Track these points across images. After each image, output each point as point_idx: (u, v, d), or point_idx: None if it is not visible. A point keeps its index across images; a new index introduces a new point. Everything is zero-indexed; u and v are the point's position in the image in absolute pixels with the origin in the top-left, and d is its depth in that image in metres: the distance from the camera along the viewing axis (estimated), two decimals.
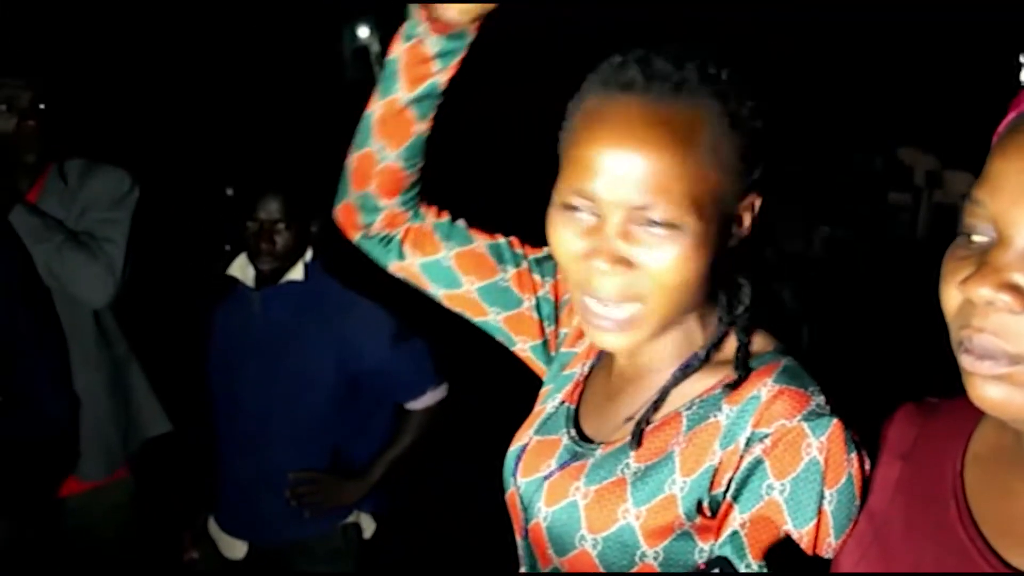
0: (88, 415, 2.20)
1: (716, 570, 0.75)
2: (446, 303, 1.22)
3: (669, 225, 0.87)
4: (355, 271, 2.23)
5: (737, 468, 0.89)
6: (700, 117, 0.88)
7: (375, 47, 10.39)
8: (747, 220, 0.96)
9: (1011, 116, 0.71)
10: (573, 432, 1.07)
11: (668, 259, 0.88)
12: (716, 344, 0.99)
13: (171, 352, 3.03)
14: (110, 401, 2.26)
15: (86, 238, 2.14)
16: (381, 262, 1.23)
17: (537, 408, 1.17)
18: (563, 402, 1.13)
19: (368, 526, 2.23)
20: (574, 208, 0.92)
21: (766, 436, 0.88)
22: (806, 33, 7.66)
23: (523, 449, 1.11)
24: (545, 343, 1.21)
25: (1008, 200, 0.66)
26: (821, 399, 0.90)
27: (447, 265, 1.19)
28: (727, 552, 0.88)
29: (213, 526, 2.22)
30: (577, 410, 1.10)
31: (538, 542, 1.04)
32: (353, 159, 1.17)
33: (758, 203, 0.96)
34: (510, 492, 1.10)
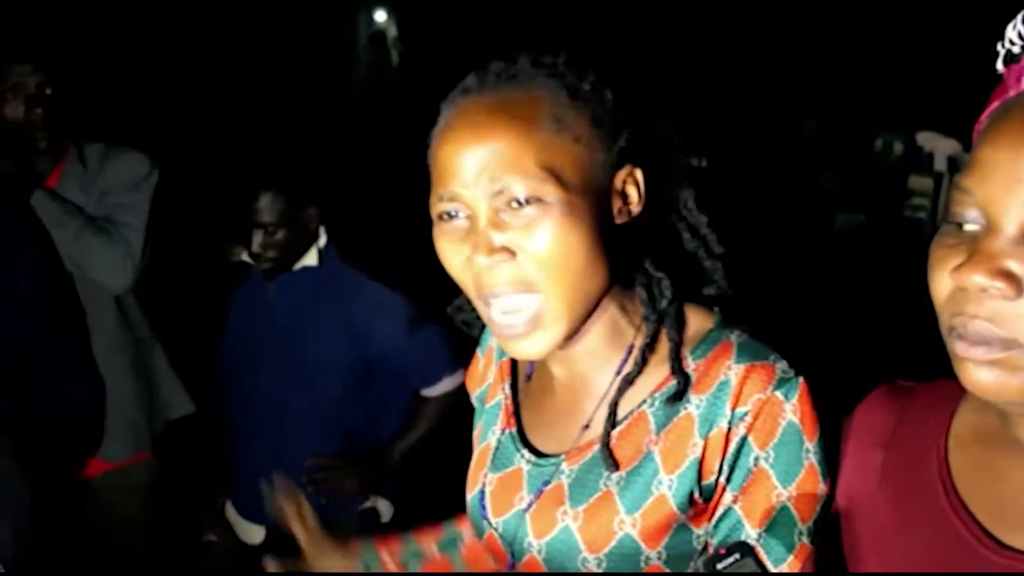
0: (112, 397, 2.23)
1: (736, 554, 0.75)
2: None
3: (533, 200, 0.88)
4: (371, 257, 2.23)
5: (725, 452, 0.92)
6: (536, 96, 0.92)
7: (392, 31, 10.38)
8: (632, 193, 0.97)
9: (994, 104, 0.72)
10: (527, 453, 1.06)
11: (543, 235, 0.89)
12: (651, 344, 0.98)
13: (194, 334, 3.05)
14: (133, 383, 2.28)
15: (105, 223, 2.15)
16: None
17: (480, 448, 1.16)
18: (503, 430, 1.12)
19: (385, 511, 2.24)
20: (448, 217, 0.93)
21: (746, 414, 0.91)
22: (825, 19, 7.59)
23: (484, 491, 1.10)
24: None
25: (998, 188, 0.67)
26: (784, 364, 0.94)
27: None
28: (723, 530, 0.92)
29: (231, 511, 2.24)
30: (521, 431, 1.10)
31: (536, 574, 1.03)
32: None
33: (639, 175, 0.97)
34: (488, 534, 1.09)
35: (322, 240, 2.13)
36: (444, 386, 2.14)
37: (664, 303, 0.98)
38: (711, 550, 0.94)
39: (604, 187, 0.94)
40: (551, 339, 0.93)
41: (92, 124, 2.33)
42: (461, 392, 2.15)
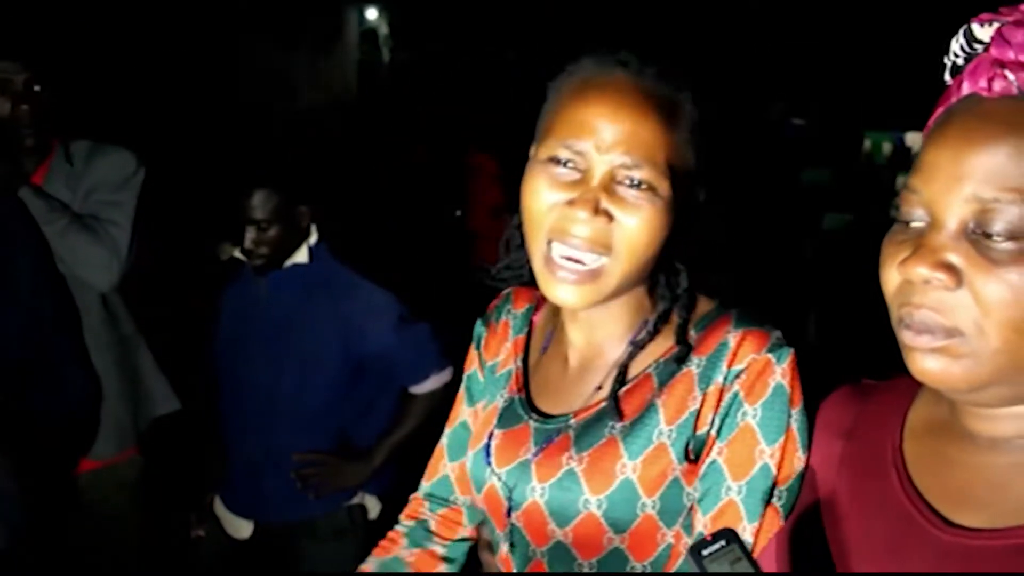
0: None
1: (723, 541, 0.76)
2: None
3: (648, 187, 0.96)
4: (361, 254, 2.24)
5: (718, 406, 0.99)
6: (681, 104, 1.01)
7: (383, 29, 10.37)
8: (693, 210, 1.06)
9: (939, 111, 0.77)
10: (535, 415, 1.12)
11: (642, 219, 0.96)
12: (663, 317, 1.07)
13: (179, 331, 3.05)
14: (119, 380, 2.28)
15: (91, 220, 2.15)
16: None
17: (487, 410, 1.20)
18: (510, 395, 1.17)
19: (373, 507, 2.25)
20: (558, 163, 0.99)
21: (741, 372, 0.99)
22: (814, 20, 7.62)
23: (489, 444, 1.14)
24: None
25: (940, 186, 0.72)
26: (778, 332, 1.01)
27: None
28: (707, 482, 0.99)
29: (219, 505, 2.25)
30: (529, 398, 1.15)
31: (534, 522, 1.07)
32: None
33: (702, 197, 1.06)
34: (488, 486, 1.12)
35: (313, 237, 2.14)
36: (432, 383, 2.15)
37: (679, 290, 1.07)
38: (696, 520, 0.99)
39: (687, 198, 1.02)
40: (594, 297, 1.00)
41: (81, 121, 2.33)
42: (449, 389, 2.18)
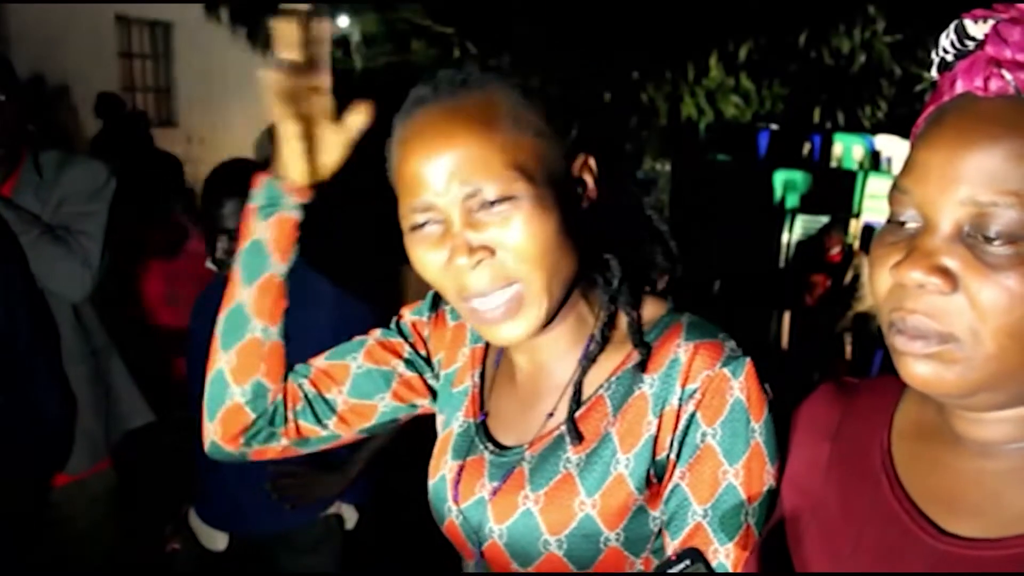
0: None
1: (687, 560, 0.77)
2: (340, 426, 1.26)
3: (504, 199, 0.92)
4: (335, 264, 2.23)
5: (675, 428, 0.95)
6: (492, 98, 0.95)
7: (355, 36, 10.34)
8: (589, 180, 1.01)
9: (930, 109, 0.75)
10: (490, 446, 1.08)
11: (518, 229, 0.92)
12: (609, 323, 1.02)
13: (152, 343, 3.02)
14: (91, 393, 2.26)
15: (62, 232, 2.13)
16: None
17: (442, 435, 1.17)
18: (466, 419, 1.13)
19: (350, 517, 2.23)
20: (420, 226, 0.96)
21: (695, 391, 0.94)
22: (782, 23, 7.69)
23: (444, 477, 1.11)
24: (434, 390, 1.23)
25: (934, 188, 0.70)
26: (732, 343, 0.97)
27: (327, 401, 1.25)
28: (671, 507, 0.94)
29: (194, 518, 2.23)
30: (485, 424, 1.11)
31: (497, 560, 1.04)
32: (231, 355, 1.21)
33: (592, 162, 1.01)
34: (448, 521, 1.10)
35: None
36: None
37: (615, 282, 1.03)
38: (665, 545, 0.96)
39: (564, 176, 0.98)
40: (530, 324, 0.96)
41: (50, 131, 2.31)
42: None
